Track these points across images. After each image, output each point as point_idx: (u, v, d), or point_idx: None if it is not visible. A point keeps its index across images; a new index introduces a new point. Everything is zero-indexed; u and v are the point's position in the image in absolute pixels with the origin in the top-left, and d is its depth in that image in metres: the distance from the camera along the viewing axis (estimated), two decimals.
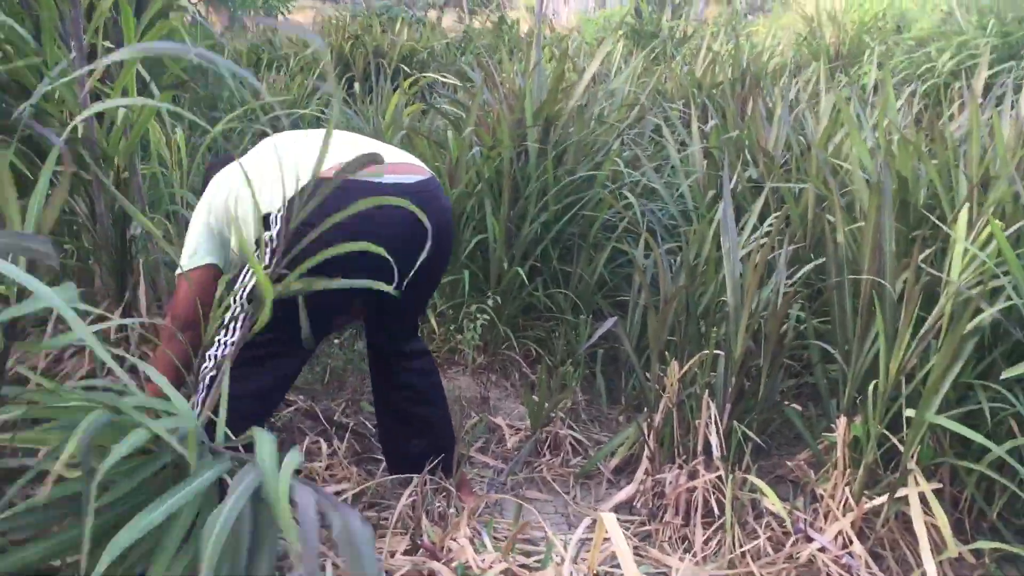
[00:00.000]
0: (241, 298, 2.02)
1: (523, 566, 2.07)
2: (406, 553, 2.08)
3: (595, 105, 3.82)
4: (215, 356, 2.04)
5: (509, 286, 3.26)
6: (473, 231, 3.36)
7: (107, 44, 2.99)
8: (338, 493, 2.44)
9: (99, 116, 2.77)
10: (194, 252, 2.11)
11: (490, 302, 3.15)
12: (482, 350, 3.26)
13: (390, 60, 6.74)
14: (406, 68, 6.62)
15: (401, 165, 2.09)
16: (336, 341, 3.41)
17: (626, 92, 4.70)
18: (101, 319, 2.82)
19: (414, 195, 1.98)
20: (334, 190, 1.86)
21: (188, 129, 3.48)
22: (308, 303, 1.96)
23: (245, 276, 2.03)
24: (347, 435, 2.76)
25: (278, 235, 1.93)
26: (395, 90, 4.74)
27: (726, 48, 6.87)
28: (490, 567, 1.83)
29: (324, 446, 2.65)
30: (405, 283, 2.08)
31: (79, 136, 2.69)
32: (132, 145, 2.76)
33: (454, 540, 1.97)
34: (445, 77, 5.04)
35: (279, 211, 1.95)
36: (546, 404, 2.85)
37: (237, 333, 2.03)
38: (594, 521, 2.01)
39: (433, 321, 3.31)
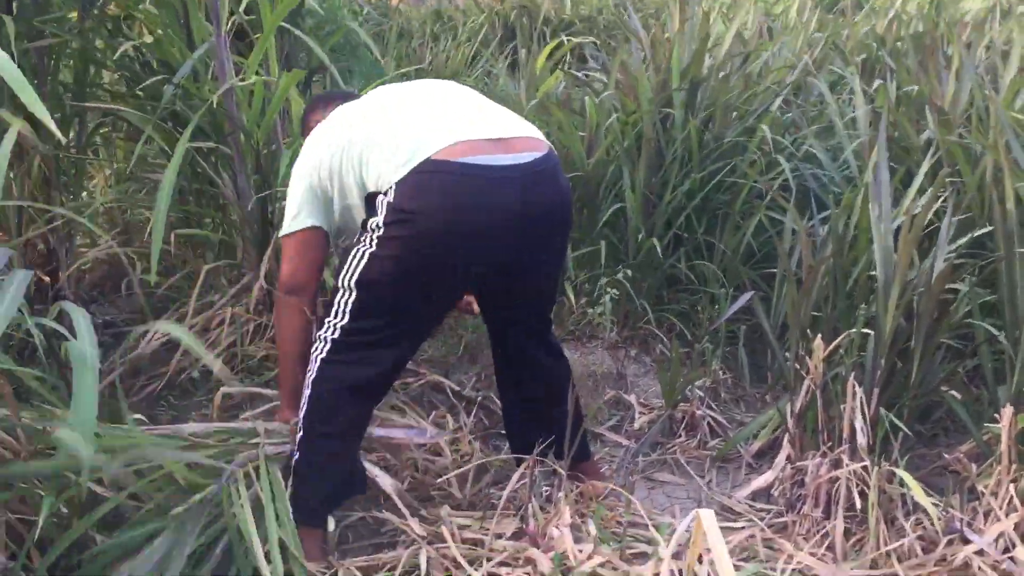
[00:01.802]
0: (349, 282, 1.99)
1: (630, 556, 1.96)
2: (512, 537, 2.01)
3: (751, 64, 3.58)
4: (325, 339, 2.03)
5: (648, 258, 3.11)
6: (614, 199, 3.23)
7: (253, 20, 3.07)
8: (460, 468, 2.41)
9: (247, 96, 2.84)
10: (297, 214, 2.06)
11: (620, 275, 3.02)
12: (620, 324, 3.14)
13: (554, 27, 6.64)
14: (569, 37, 6.51)
15: (518, 140, 1.98)
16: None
17: (794, 48, 4.40)
18: (245, 290, 2.93)
19: (527, 176, 1.94)
20: (444, 172, 1.84)
21: None
22: (420, 288, 1.96)
23: (353, 259, 2.00)
24: (475, 409, 2.72)
25: (385, 223, 1.90)
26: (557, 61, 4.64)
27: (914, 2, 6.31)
28: (588, 558, 1.73)
29: (450, 421, 2.63)
30: (522, 268, 2.06)
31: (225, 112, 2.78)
32: (270, 120, 2.82)
33: (557, 527, 1.89)
34: (594, 40, 4.90)
35: (386, 193, 1.90)
36: (680, 381, 2.70)
37: (346, 317, 2.01)
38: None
39: (570, 294, 3.21)
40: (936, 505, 2.13)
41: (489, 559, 1.91)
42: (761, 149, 3.27)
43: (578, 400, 2.27)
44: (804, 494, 2.31)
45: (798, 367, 2.45)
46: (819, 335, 2.37)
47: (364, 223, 2.00)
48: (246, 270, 2.96)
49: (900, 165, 3.06)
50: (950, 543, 2.09)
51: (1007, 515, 2.05)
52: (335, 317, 2.01)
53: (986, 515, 2.10)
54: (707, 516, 1.54)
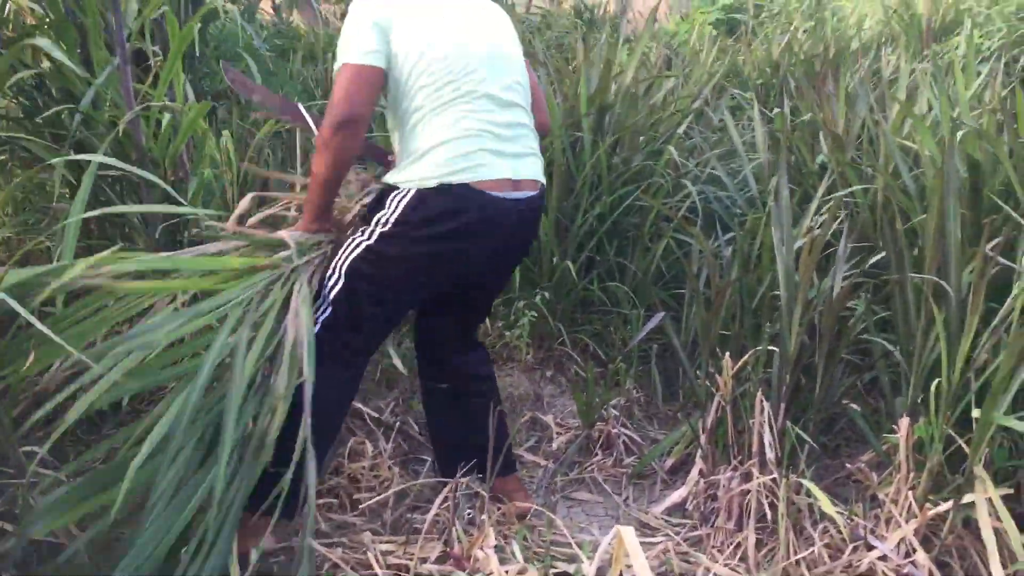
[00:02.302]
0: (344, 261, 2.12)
1: (559, 574, 1.99)
2: (437, 560, 2.02)
3: (657, 91, 3.69)
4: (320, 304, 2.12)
5: (562, 280, 3.17)
6: None
7: (155, 48, 3.03)
8: (381, 495, 2.41)
9: (153, 123, 2.80)
10: (371, 50, 2.03)
11: (538, 297, 3.07)
12: (536, 346, 3.19)
13: None
14: None
15: (527, 182, 2.17)
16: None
17: (701, 75, 4.54)
18: None
19: (525, 210, 2.16)
20: (459, 191, 2.03)
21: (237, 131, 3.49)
22: (414, 274, 2.12)
23: (351, 242, 2.13)
24: (394, 435, 2.72)
25: (397, 222, 2.05)
26: None
27: (808, 25, 6.59)
28: None
29: (369, 447, 2.62)
30: (493, 284, 2.38)
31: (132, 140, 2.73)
32: (178, 149, 2.78)
33: (482, 549, 1.91)
34: None
35: (404, 194, 2.06)
36: (596, 401, 2.76)
37: (360, 248, 2.11)
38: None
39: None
40: (841, 514, 2.23)
41: None
42: (667, 173, 3.37)
43: (502, 415, 2.31)
44: (717, 507, 2.39)
45: (708, 384, 2.54)
46: (727, 353, 2.46)
47: (367, 211, 2.17)
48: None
49: (798, 187, 3.20)
50: (855, 550, 2.18)
51: (907, 521, 2.15)
52: (361, 235, 2.12)
53: (887, 522, 2.20)
54: (627, 533, 1.58)
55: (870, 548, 2.16)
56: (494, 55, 2.16)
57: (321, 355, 1.96)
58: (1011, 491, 2.10)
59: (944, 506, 2.12)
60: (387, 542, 2.19)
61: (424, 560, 2.03)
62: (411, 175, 2.06)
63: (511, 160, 2.12)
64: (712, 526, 2.37)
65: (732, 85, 4.88)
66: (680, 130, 3.58)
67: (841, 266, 2.41)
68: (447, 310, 2.36)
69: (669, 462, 2.71)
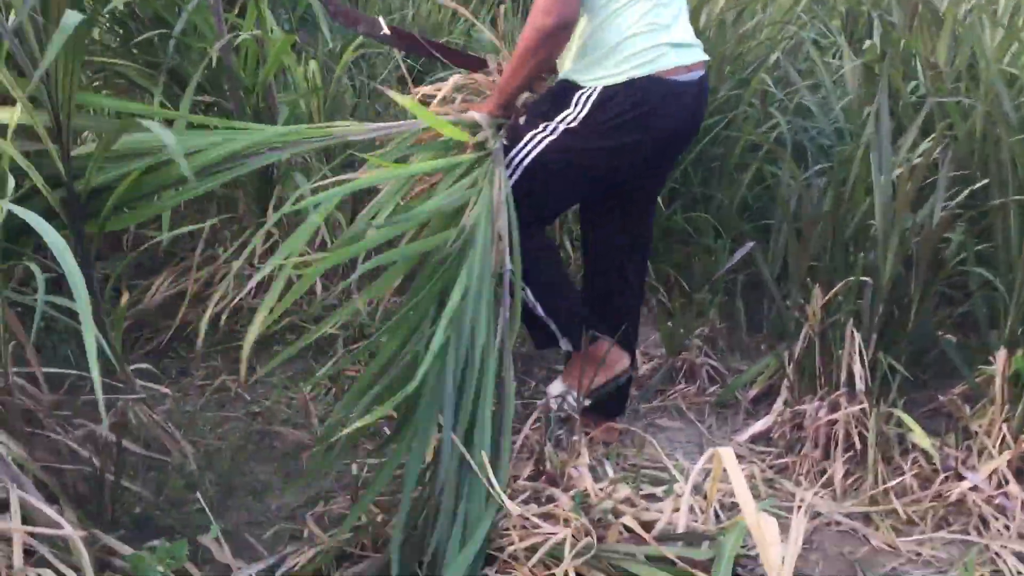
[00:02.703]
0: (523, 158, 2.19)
1: (647, 495, 2.03)
2: (529, 479, 2.07)
3: (749, 19, 3.60)
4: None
5: None
6: None
7: None
8: None
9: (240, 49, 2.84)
10: None
11: None
12: None
13: None
14: None
15: (697, 64, 2.23)
16: None
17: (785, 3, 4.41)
18: (246, 244, 2.94)
19: (700, 93, 2.26)
20: (643, 84, 2.10)
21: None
22: (596, 168, 2.21)
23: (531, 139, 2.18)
24: None
25: (585, 120, 2.12)
26: None
27: None
28: (608, 496, 1.80)
29: None
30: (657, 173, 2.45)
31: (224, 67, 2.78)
32: (267, 74, 2.82)
33: (575, 468, 1.95)
34: None
35: (591, 93, 2.13)
36: (680, 331, 2.77)
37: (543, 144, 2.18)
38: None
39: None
40: (933, 444, 2.22)
41: (512, 498, 1.97)
42: (754, 103, 3.31)
43: (634, 356, 2.41)
44: (803, 436, 2.40)
45: (797, 315, 2.53)
46: (817, 284, 2.44)
47: (544, 111, 2.21)
48: (248, 224, 2.97)
49: (891, 118, 3.11)
50: (945, 480, 2.19)
51: (1000, 453, 2.15)
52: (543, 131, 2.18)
53: (980, 453, 2.20)
54: (726, 454, 1.61)
55: (961, 479, 2.16)
56: None
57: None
58: None
59: None
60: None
61: (516, 478, 2.08)
62: (597, 73, 2.13)
63: (683, 49, 2.19)
64: (798, 454, 2.38)
65: (816, 14, 4.73)
66: (771, 60, 3.49)
67: (941, 195, 2.36)
68: (613, 218, 2.44)
69: (753, 392, 2.71)
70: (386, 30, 2.68)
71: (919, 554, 2.03)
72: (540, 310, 2.24)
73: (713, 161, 3.26)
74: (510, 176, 2.16)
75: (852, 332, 2.36)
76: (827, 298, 2.41)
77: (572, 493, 1.82)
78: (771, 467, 2.39)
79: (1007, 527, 2.05)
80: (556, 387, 2.36)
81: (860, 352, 2.34)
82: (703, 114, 2.40)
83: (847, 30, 4.37)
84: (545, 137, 2.16)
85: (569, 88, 2.18)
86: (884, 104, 2.41)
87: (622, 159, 2.21)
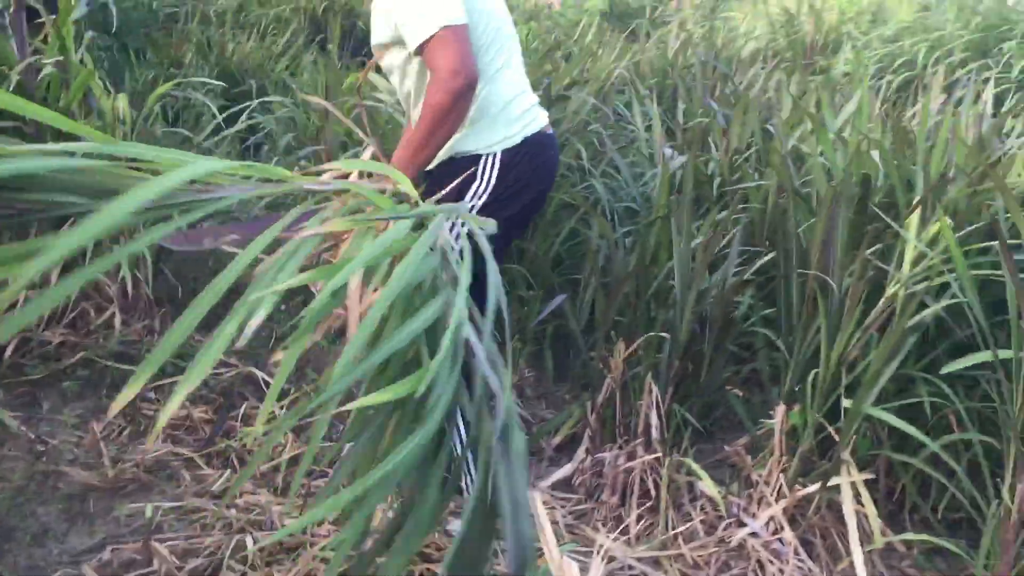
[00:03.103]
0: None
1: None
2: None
3: (560, 82, 3.78)
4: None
5: None
6: None
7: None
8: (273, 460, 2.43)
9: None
10: (459, 4, 1.96)
11: None
12: None
13: (366, 20, 6.64)
14: None
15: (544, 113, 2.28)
16: (283, 307, 3.37)
17: (601, 71, 4.67)
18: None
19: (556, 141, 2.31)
20: (545, 148, 2.17)
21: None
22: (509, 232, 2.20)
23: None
24: (287, 402, 2.73)
25: (493, 190, 2.10)
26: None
27: (700, 30, 6.85)
28: None
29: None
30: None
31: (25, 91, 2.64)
32: (70, 102, 2.70)
33: None
34: None
35: (489, 160, 2.11)
36: None
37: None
38: None
39: None
40: (719, 492, 2.38)
41: (312, 544, 1.95)
42: (570, 163, 3.47)
43: None
44: (602, 483, 2.51)
45: (601, 366, 2.65)
46: (620, 338, 2.58)
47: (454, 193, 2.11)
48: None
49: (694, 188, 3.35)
50: (728, 526, 2.34)
51: (777, 500, 2.33)
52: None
53: (759, 501, 2.37)
54: (535, 498, 1.66)
55: (742, 525, 2.32)
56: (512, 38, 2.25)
57: None
58: (872, 476, 2.29)
59: (811, 488, 2.29)
60: (281, 503, 2.22)
61: (321, 523, 2.06)
62: (492, 137, 2.11)
63: (541, 106, 2.27)
64: (597, 501, 2.49)
65: (627, 83, 5.02)
66: (578, 120, 3.68)
67: (733, 262, 2.56)
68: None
69: (556, 440, 2.81)
70: (235, 235, 2.50)
71: None
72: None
73: None
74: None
75: (650, 385, 2.50)
76: (629, 351, 2.54)
77: None
78: (571, 513, 2.48)
79: (781, 571, 2.22)
80: None
81: (657, 404, 2.48)
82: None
83: (655, 97, 4.68)
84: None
85: (465, 161, 2.13)
86: (689, 180, 2.59)
87: (526, 217, 2.26)
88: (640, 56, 5.97)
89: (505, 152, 2.11)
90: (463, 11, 1.97)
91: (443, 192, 2.07)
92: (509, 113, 2.12)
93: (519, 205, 2.17)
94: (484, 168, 2.11)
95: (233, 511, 2.19)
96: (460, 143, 2.12)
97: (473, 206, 2.10)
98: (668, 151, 3.15)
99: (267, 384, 2.80)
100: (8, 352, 2.64)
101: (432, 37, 1.94)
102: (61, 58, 2.66)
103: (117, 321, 2.80)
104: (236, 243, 2.50)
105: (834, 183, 2.45)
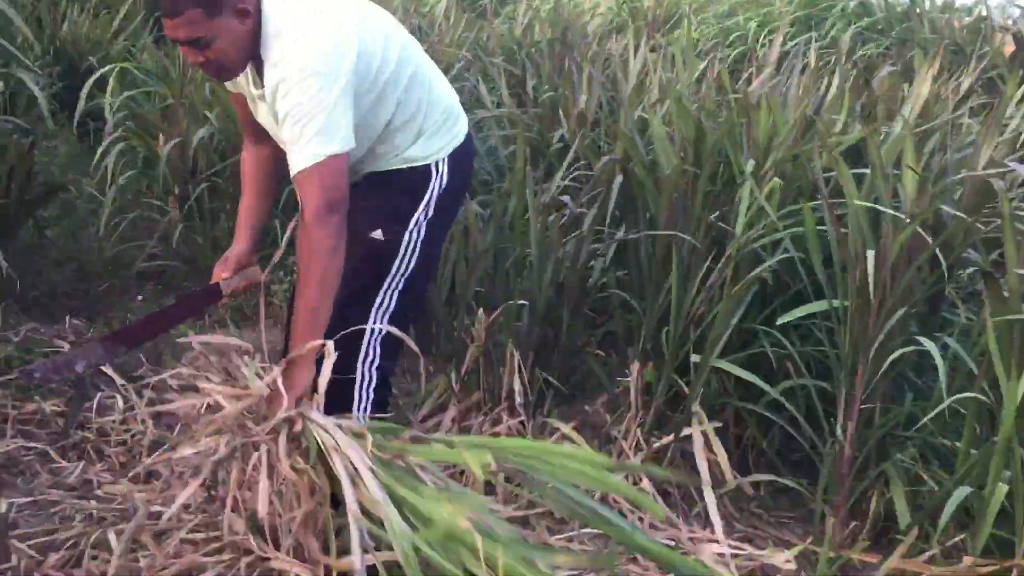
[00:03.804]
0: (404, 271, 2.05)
1: None
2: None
3: None
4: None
5: None
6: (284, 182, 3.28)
7: None
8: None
9: None
10: (338, 129, 1.83)
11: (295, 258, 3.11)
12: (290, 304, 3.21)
13: None
14: None
15: None
16: (139, 296, 3.28)
17: (450, 45, 4.70)
18: None
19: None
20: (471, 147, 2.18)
21: None
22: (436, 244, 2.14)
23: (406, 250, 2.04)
24: (147, 389, 2.66)
25: (441, 196, 2.06)
26: None
27: (546, 7, 6.97)
28: None
29: (120, 401, 2.55)
30: None
31: None
32: None
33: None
34: None
35: (436, 168, 2.06)
36: None
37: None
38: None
39: None
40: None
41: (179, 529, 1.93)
42: None
43: None
44: None
45: (463, 336, 2.71)
46: (481, 307, 2.64)
47: (394, 210, 2.03)
48: None
49: (542, 159, 3.45)
50: None
51: (635, 454, 2.45)
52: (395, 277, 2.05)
53: (619, 455, 2.49)
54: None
55: None
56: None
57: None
58: (720, 425, 2.45)
59: (666, 439, 2.43)
60: (144, 491, 2.18)
61: (187, 507, 2.04)
62: (439, 144, 2.06)
63: None
64: None
65: (477, 59, 5.08)
66: None
67: (587, 229, 2.66)
68: None
69: (422, 412, 2.85)
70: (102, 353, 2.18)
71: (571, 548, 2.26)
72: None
73: None
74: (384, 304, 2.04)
75: (512, 351, 2.58)
76: (490, 320, 2.61)
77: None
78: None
79: (640, 519, 2.34)
80: None
81: (519, 369, 2.56)
82: None
83: (505, 76, 4.76)
84: (411, 239, 2.04)
85: (414, 173, 2.06)
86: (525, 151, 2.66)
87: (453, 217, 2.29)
88: (488, 32, 6.04)
89: (451, 155, 2.08)
90: (349, 131, 1.87)
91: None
92: (449, 118, 2.10)
93: (459, 204, 2.25)
94: (435, 176, 2.07)
95: (93, 502, 2.14)
96: (408, 154, 2.04)
97: (426, 215, 2.05)
98: None
99: (124, 375, 2.72)
100: None
101: (308, 168, 1.83)
102: None
103: None
104: (110, 357, 2.36)
105: (681, 155, 2.57)
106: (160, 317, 2.30)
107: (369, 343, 2.02)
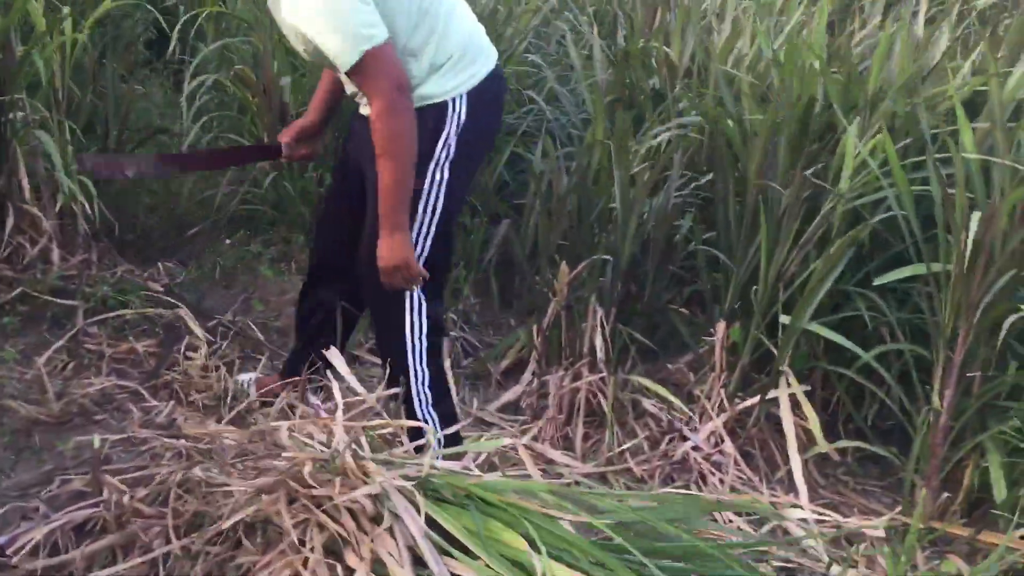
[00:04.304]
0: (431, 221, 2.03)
1: None
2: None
3: (501, 8, 3.73)
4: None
5: None
6: None
7: None
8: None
9: None
10: (374, 23, 1.86)
11: None
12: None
13: None
14: None
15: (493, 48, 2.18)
16: (227, 240, 3.33)
17: None
18: None
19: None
20: (498, 88, 2.10)
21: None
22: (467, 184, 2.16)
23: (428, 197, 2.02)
24: (232, 334, 2.71)
25: (468, 123, 2.01)
26: None
27: None
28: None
29: (205, 348, 2.60)
30: None
31: None
32: (8, 22, 2.60)
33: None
34: None
35: (453, 105, 2.00)
36: None
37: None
38: None
39: None
40: (660, 408, 2.45)
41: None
42: (509, 91, 3.44)
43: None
44: (548, 405, 2.55)
45: (546, 291, 2.68)
46: (564, 262, 2.60)
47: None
48: None
49: (632, 109, 3.36)
50: (671, 440, 2.41)
51: (718, 415, 2.40)
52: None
53: (701, 416, 2.44)
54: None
55: (684, 439, 2.39)
56: None
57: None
58: (808, 388, 2.37)
59: (750, 401, 2.37)
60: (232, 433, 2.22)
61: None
62: (455, 81, 2.01)
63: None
64: (544, 419, 2.53)
65: (566, 8, 4.98)
66: (520, 47, 3.64)
67: (674, 185, 2.59)
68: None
69: (504, 364, 2.84)
70: (158, 164, 2.37)
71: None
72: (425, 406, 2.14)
73: None
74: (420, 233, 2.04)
75: (595, 307, 2.54)
76: (573, 275, 2.57)
77: None
78: (520, 433, 2.52)
79: (721, 481, 2.30)
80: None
81: (601, 325, 2.52)
82: None
83: (595, 25, 4.65)
84: (436, 170, 2.02)
85: (431, 110, 2.01)
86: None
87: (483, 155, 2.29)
88: None
89: (470, 93, 2.02)
90: (377, 20, 1.88)
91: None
92: (467, 55, 2.04)
93: (484, 146, 2.19)
94: (452, 113, 2.02)
95: (183, 441, 2.18)
96: (421, 91, 2.00)
97: (447, 155, 2.01)
98: None
99: (209, 317, 2.78)
100: None
101: (356, 64, 1.87)
102: None
103: (55, 256, 2.74)
104: (160, 173, 2.45)
105: (773, 107, 2.47)
106: (219, 155, 2.57)
107: (411, 293, 2.05)
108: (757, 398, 2.36)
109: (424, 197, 2.02)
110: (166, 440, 2.16)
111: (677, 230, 2.76)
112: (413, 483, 1.75)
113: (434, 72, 2.01)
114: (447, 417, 2.16)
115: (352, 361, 2.78)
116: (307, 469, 1.65)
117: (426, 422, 2.11)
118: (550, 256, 2.70)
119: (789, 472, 2.29)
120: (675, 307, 2.73)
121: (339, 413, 2.00)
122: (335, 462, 1.73)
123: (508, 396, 2.67)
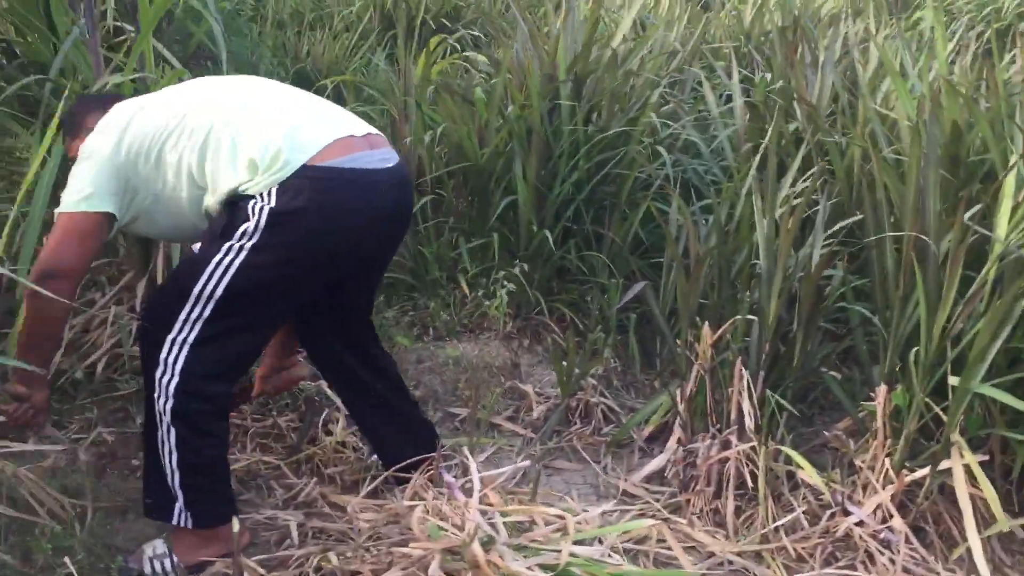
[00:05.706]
0: (211, 293, 1.89)
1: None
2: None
3: (634, 57, 3.67)
4: (178, 341, 1.91)
5: (539, 249, 3.16)
6: (504, 193, 3.25)
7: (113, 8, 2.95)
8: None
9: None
10: (90, 193, 1.91)
11: (516, 268, 3.07)
12: (513, 315, 3.18)
13: (434, 16, 6.59)
14: (448, 23, 6.48)
15: (377, 138, 2.04)
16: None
17: (669, 41, 4.52)
18: (127, 288, 2.83)
19: (397, 178, 2.03)
20: (329, 178, 1.89)
21: None
22: (291, 290, 1.99)
23: (216, 269, 1.89)
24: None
25: (265, 226, 1.86)
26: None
27: None
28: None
29: (343, 421, 2.59)
30: (378, 265, 2.24)
31: None
32: None
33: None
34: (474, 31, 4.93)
35: (263, 198, 1.86)
36: (575, 370, 2.77)
37: (200, 324, 1.91)
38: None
39: (464, 285, 3.23)
40: (822, 480, 2.26)
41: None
42: (644, 140, 3.36)
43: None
44: (696, 475, 2.41)
45: (687, 353, 2.55)
46: (706, 322, 2.47)
47: (222, 229, 1.90)
48: (128, 267, 2.86)
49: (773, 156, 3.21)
50: (832, 516, 2.22)
51: (884, 487, 2.19)
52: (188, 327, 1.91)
53: (864, 488, 2.24)
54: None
55: (847, 514, 2.20)
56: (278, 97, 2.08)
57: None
58: (986, 458, 2.14)
59: (920, 472, 2.15)
60: (371, 509, 2.19)
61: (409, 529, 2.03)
62: (266, 180, 1.88)
63: (345, 122, 2.01)
64: (692, 492, 2.39)
65: (699, 54, 4.86)
66: (654, 96, 3.56)
67: (820, 235, 2.43)
68: (344, 305, 2.24)
69: (647, 430, 2.72)
70: None
71: None
72: (174, 480, 1.97)
73: (604, 199, 3.29)
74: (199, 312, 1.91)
75: (740, 370, 2.39)
76: (716, 336, 2.44)
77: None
78: (666, 506, 2.39)
79: (892, 560, 2.09)
80: (158, 546, 2.07)
81: (748, 389, 2.37)
82: (409, 204, 2.20)
83: (729, 70, 4.52)
84: (232, 259, 1.88)
85: (241, 200, 1.90)
86: (772, 149, 2.46)
87: (331, 273, 2.07)
88: (715, 24, 5.79)
89: (282, 183, 1.85)
90: (104, 193, 1.92)
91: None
92: (280, 155, 1.87)
93: (318, 228, 1.90)
94: (257, 200, 1.86)
95: (318, 520, 2.18)
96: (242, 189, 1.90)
97: (241, 246, 1.87)
98: None
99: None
100: (100, 368, 2.69)
101: (60, 214, 1.95)
102: (140, 74, 2.67)
103: None
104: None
105: (915, 133, 2.28)
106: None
107: (170, 350, 1.90)
108: (927, 469, 2.14)
109: (206, 271, 1.88)
110: (303, 520, 2.17)
111: (827, 282, 2.58)
112: (551, 574, 1.67)
113: (241, 186, 1.90)
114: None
115: (491, 430, 2.75)
116: (434, 566, 1.58)
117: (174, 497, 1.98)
118: (690, 315, 2.57)
119: (969, 550, 2.06)
120: (827, 369, 2.54)
121: (474, 497, 1.96)
122: (466, 553, 1.66)
123: (653, 465, 2.54)
